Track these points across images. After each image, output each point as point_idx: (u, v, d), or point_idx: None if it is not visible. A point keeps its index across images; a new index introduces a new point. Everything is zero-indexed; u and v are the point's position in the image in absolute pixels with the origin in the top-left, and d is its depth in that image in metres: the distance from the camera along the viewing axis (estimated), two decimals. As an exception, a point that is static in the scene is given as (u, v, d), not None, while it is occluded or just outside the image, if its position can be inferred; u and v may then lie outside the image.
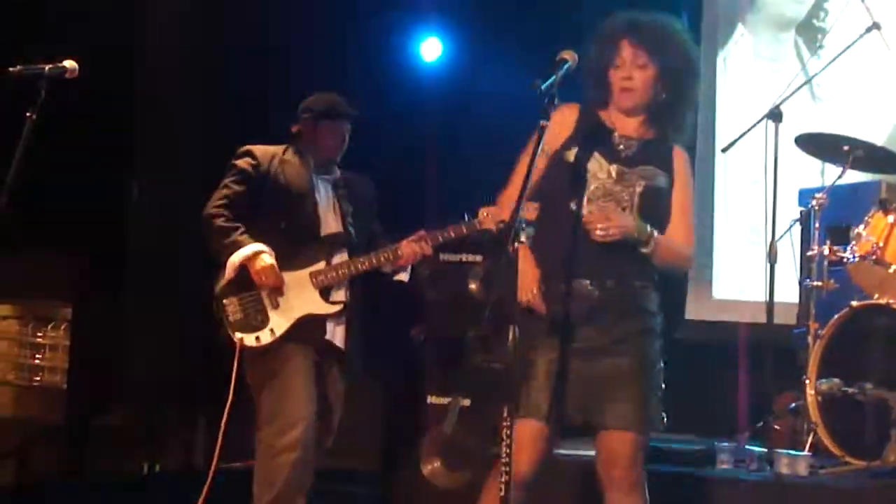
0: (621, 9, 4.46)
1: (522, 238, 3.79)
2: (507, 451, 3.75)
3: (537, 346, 4.17)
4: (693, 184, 4.49)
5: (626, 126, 4.37)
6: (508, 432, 3.75)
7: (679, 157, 4.43)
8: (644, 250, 4.24)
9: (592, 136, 4.31)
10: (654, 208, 4.30)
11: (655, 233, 4.25)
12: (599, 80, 4.34)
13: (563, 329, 4.20)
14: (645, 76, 4.31)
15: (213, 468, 5.40)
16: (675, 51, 4.37)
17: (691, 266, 4.59)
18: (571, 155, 4.29)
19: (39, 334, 8.22)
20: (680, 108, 4.41)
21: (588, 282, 4.22)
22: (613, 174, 4.28)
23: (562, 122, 4.29)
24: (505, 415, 3.76)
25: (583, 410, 4.23)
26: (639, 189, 4.28)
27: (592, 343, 4.22)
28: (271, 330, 5.34)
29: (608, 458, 4.27)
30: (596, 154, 4.28)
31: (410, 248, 5.39)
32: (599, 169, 4.28)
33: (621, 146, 4.34)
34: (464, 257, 6.63)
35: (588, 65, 4.31)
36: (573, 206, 4.25)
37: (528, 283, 4.22)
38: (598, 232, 4.17)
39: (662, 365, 4.33)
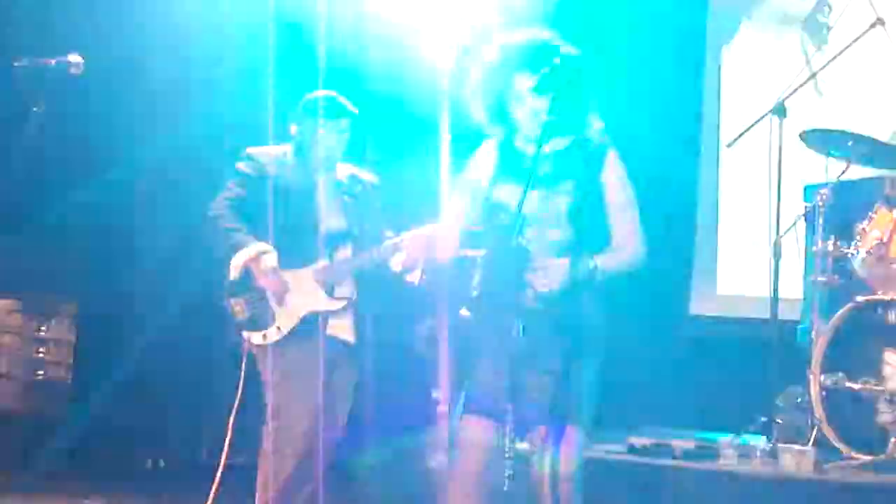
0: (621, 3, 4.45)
1: (526, 232, 3.78)
2: (511, 444, 3.76)
3: (483, 348, 4.12)
4: (623, 176, 4.44)
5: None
6: (510, 427, 3.76)
7: (607, 159, 4.41)
8: (593, 280, 4.27)
9: (507, 165, 4.35)
10: (584, 219, 4.30)
11: (597, 262, 4.26)
12: (500, 114, 4.37)
13: (517, 330, 4.15)
14: (544, 104, 4.28)
15: (221, 464, 5.42)
16: (564, 70, 4.31)
17: (641, 264, 4.49)
18: (494, 194, 4.35)
19: (43, 329, 8.24)
20: (579, 115, 4.38)
21: (530, 294, 4.21)
22: (536, 198, 4.26)
23: (483, 160, 4.39)
24: (507, 411, 3.77)
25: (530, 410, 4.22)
26: (563, 207, 4.29)
27: (537, 349, 4.18)
28: (278, 328, 5.38)
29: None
30: (513, 185, 4.28)
31: (414, 240, 5.38)
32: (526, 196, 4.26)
33: (536, 167, 4.30)
34: (468, 251, 6.62)
35: (481, 96, 4.38)
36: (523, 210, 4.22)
37: None
38: (540, 290, 4.19)
39: (594, 380, 4.31)
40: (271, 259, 5.38)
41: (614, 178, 4.40)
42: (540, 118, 4.27)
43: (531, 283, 4.18)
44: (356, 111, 5.65)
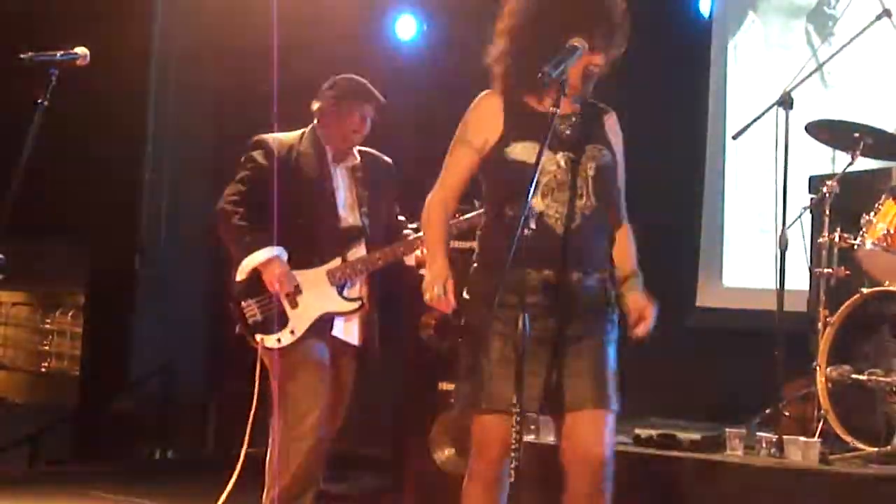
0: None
1: (532, 225, 3.77)
2: (517, 437, 3.75)
3: (496, 338, 3.99)
4: (622, 144, 4.32)
5: (561, 107, 4.09)
6: (517, 419, 3.75)
7: (609, 120, 4.28)
8: None
9: (526, 124, 4.11)
10: (606, 188, 4.17)
11: (638, 282, 4.25)
12: (554, 45, 4.02)
13: (524, 320, 3.96)
14: (603, 63, 4.15)
15: (241, 457, 5.41)
16: (626, 36, 4.18)
17: None
18: (514, 151, 4.09)
19: (49, 320, 8.27)
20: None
21: (551, 273, 4.07)
22: (562, 164, 4.11)
23: (489, 112, 4.15)
24: (514, 401, 3.76)
25: (547, 398, 4.10)
26: (591, 173, 4.13)
27: (554, 334, 4.08)
28: (291, 331, 5.33)
29: (574, 440, 4.10)
30: (537, 144, 3.99)
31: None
32: (548, 161, 4.07)
33: (561, 128, 4.15)
34: (474, 245, 6.61)
35: (537, 38, 4.10)
36: (530, 203, 3.94)
37: (440, 275, 4.13)
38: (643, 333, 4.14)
39: (616, 353, 4.19)
40: (282, 265, 5.31)
41: (617, 137, 4.29)
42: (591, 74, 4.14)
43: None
44: (383, 99, 5.54)
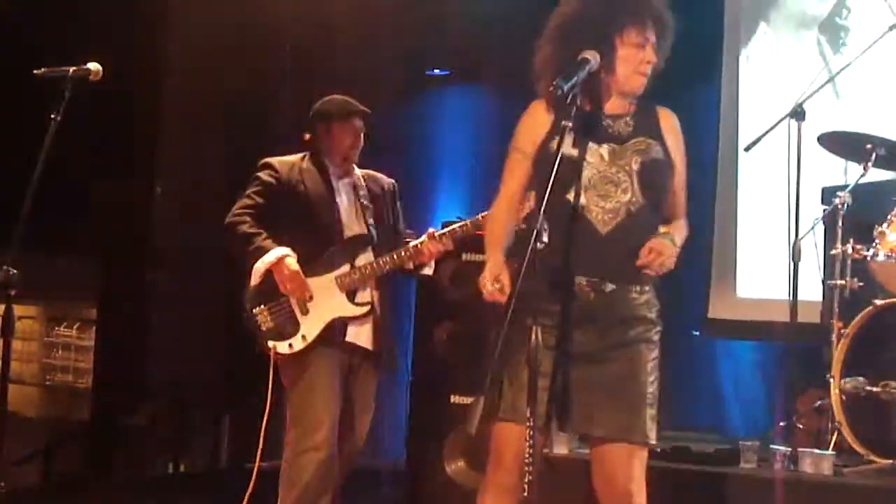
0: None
1: (545, 238, 3.75)
2: (530, 450, 3.74)
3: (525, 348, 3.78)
4: (683, 145, 4.23)
5: (611, 105, 4.14)
6: (531, 433, 3.73)
7: (666, 118, 4.21)
8: None
9: (575, 119, 3.90)
10: (653, 182, 4.06)
11: (676, 238, 4.10)
12: (601, 45, 4.02)
13: (555, 331, 3.97)
14: (657, 62, 4.14)
15: (255, 469, 5.42)
16: (671, 26, 4.15)
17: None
18: (555, 144, 3.92)
19: (57, 334, 8.27)
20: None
21: (584, 281, 4.00)
22: (605, 156, 4.05)
23: (535, 117, 4.14)
24: (528, 415, 3.75)
25: (575, 418, 4.00)
26: (635, 166, 4.04)
27: (585, 348, 3.99)
28: (303, 336, 5.39)
29: (603, 473, 4.07)
30: (580, 139, 3.98)
31: (434, 246, 5.43)
32: (590, 154, 4.03)
33: (609, 123, 4.11)
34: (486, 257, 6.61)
35: (584, 21, 4.08)
36: (570, 197, 4.00)
37: (495, 270, 4.02)
38: (656, 271, 4.00)
39: (656, 378, 4.11)
40: (293, 263, 5.38)
41: (674, 138, 4.22)
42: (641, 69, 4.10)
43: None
44: (368, 110, 5.65)
